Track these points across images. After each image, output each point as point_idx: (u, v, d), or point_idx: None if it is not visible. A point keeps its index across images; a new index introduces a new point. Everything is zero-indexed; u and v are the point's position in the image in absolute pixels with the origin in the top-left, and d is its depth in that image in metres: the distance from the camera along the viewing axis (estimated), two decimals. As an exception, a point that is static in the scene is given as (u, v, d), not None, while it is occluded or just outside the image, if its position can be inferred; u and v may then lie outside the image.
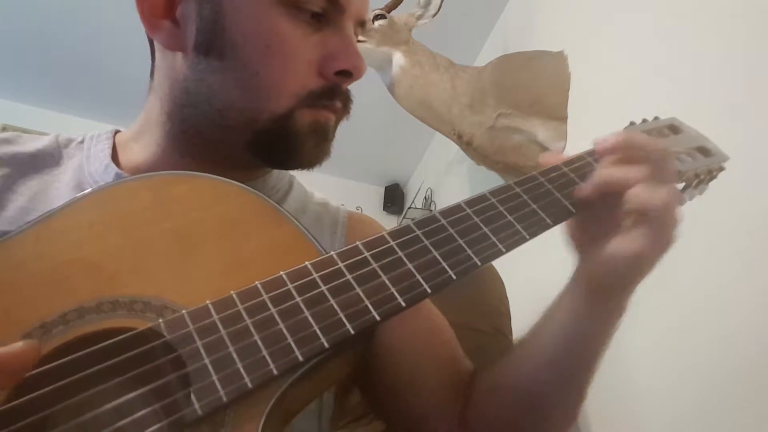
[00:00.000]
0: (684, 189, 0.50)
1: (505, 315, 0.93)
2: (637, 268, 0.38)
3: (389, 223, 2.78)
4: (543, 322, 0.44)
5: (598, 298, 0.40)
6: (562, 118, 1.29)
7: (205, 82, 0.44)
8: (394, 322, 0.46)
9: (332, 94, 0.47)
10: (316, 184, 0.60)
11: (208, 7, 0.43)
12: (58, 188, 0.48)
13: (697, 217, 0.74)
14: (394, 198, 2.88)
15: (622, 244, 0.37)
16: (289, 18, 0.43)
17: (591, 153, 0.45)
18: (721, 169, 0.53)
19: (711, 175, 0.52)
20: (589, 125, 1.19)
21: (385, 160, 2.77)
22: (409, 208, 2.58)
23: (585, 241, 0.42)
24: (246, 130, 0.45)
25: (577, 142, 1.25)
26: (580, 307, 0.41)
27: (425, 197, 2.46)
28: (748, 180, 0.70)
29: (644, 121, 0.54)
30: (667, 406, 0.78)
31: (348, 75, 0.46)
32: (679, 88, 0.91)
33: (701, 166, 0.50)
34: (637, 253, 0.37)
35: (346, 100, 0.49)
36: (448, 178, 2.24)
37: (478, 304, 0.94)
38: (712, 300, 0.74)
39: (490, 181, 1.56)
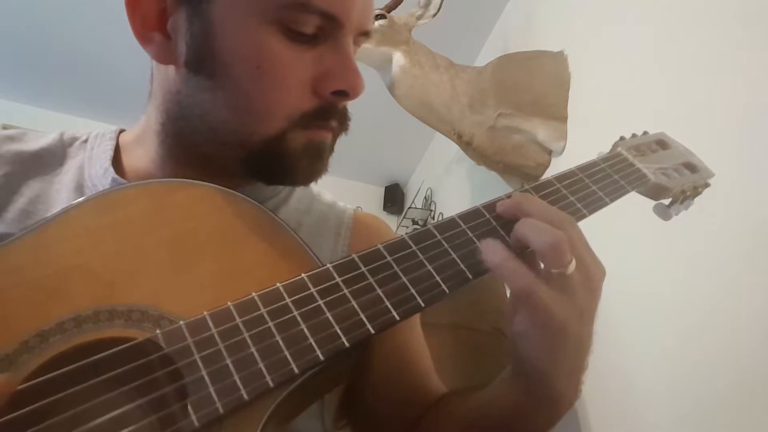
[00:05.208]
0: (671, 204, 0.51)
1: (505, 314, 0.93)
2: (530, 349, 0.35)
3: (389, 223, 2.77)
4: (491, 388, 0.42)
5: (519, 381, 0.38)
6: (562, 118, 1.28)
7: (197, 99, 0.43)
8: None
9: (327, 114, 0.44)
10: (316, 184, 0.60)
11: (198, 22, 0.41)
12: (59, 190, 0.47)
13: (700, 223, 0.74)
14: (394, 198, 2.88)
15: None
16: (281, 36, 0.40)
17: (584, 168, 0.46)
18: (707, 185, 0.54)
19: (697, 191, 0.53)
20: (588, 125, 1.19)
21: (385, 160, 2.77)
22: (409, 208, 2.57)
23: None
24: (239, 149, 0.44)
25: (577, 142, 1.24)
26: (509, 387, 0.39)
27: (425, 197, 2.46)
28: (749, 185, 0.70)
29: (633, 135, 0.54)
30: (667, 408, 0.78)
31: (345, 95, 0.44)
32: (678, 88, 0.91)
33: (687, 182, 0.51)
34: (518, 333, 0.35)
35: (343, 118, 0.47)
36: (448, 178, 2.23)
37: (478, 303, 0.94)
38: (713, 305, 0.74)
39: (490, 181, 1.56)
